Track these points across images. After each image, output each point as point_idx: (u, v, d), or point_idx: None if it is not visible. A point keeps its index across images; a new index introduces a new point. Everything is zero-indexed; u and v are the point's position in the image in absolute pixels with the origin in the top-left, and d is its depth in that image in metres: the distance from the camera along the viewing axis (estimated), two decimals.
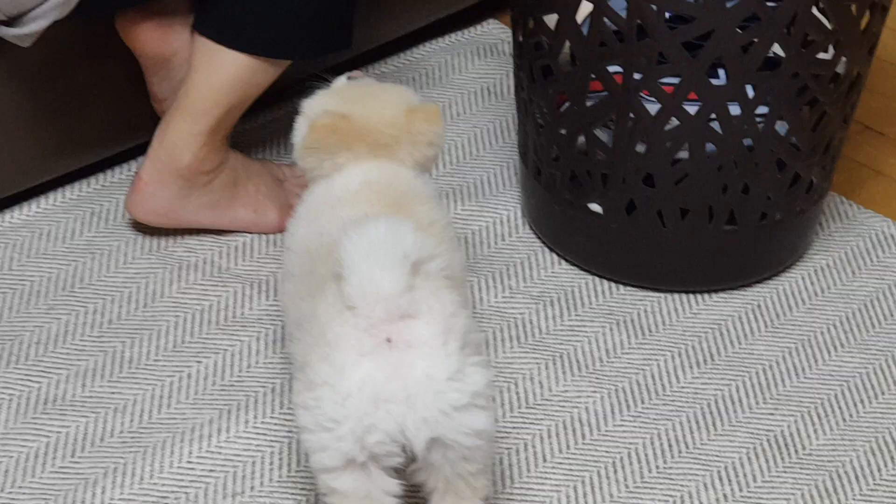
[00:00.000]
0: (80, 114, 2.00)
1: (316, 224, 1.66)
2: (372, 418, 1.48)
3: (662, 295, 1.94)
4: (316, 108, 1.72)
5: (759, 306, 1.93)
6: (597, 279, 1.95)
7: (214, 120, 1.90)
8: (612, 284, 1.95)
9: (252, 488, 1.69)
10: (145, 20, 1.91)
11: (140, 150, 2.01)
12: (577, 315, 1.91)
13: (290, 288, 1.66)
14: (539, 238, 2.01)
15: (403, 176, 1.70)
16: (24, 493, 1.68)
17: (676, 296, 1.94)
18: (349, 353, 1.48)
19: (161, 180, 1.94)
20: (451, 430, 1.49)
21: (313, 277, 1.59)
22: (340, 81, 1.76)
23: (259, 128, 2.14)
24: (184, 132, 1.91)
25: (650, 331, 1.89)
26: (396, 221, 1.52)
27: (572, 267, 1.97)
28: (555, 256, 1.98)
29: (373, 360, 1.48)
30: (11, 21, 1.77)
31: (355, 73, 1.79)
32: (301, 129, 1.73)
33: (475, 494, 1.57)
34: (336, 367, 1.49)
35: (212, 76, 1.88)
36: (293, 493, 1.69)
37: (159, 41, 1.93)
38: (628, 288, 1.94)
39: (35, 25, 1.77)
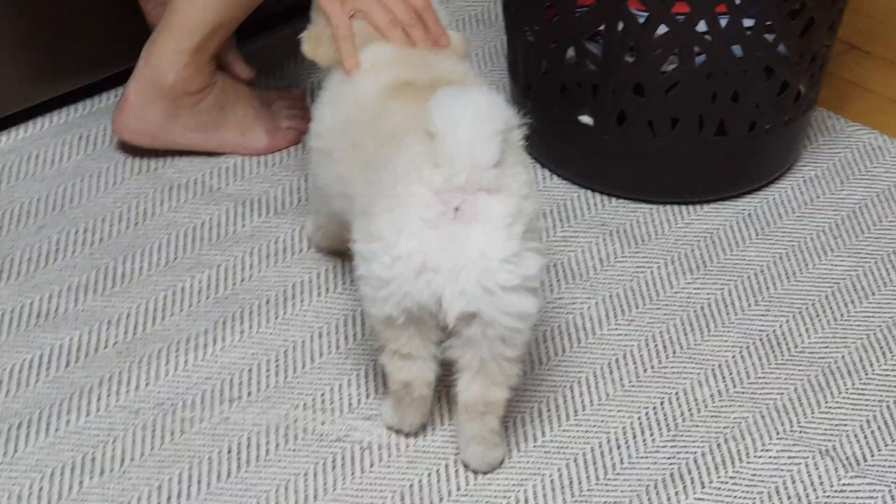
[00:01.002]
0: (67, 38, 1.99)
1: (347, 98, 1.67)
2: (412, 285, 1.50)
3: (654, 206, 1.94)
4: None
5: (749, 215, 1.94)
6: (589, 192, 1.96)
7: (199, 39, 1.89)
8: (605, 197, 1.95)
9: (249, 394, 1.69)
10: None
11: (129, 74, 2.00)
12: (570, 227, 1.91)
13: (332, 168, 1.66)
14: (531, 154, 1.98)
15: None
16: (18, 402, 1.67)
17: (668, 206, 1.95)
18: (412, 214, 1.50)
19: (147, 100, 1.93)
20: (495, 309, 1.51)
21: (372, 139, 1.58)
22: None
23: (250, 54, 2.14)
24: (169, 51, 1.90)
25: (643, 240, 1.90)
26: (491, 92, 1.53)
27: (564, 181, 1.97)
28: (546, 171, 1.99)
29: (433, 228, 1.49)
30: None
31: None
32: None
33: (506, 381, 1.58)
34: (395, 226, 1.51)
35: None
36: (290, 398, 1.69)
37: None
38: (620, 200, 1.95)
39: None
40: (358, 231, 1.56)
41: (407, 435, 1.64)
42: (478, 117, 1.49)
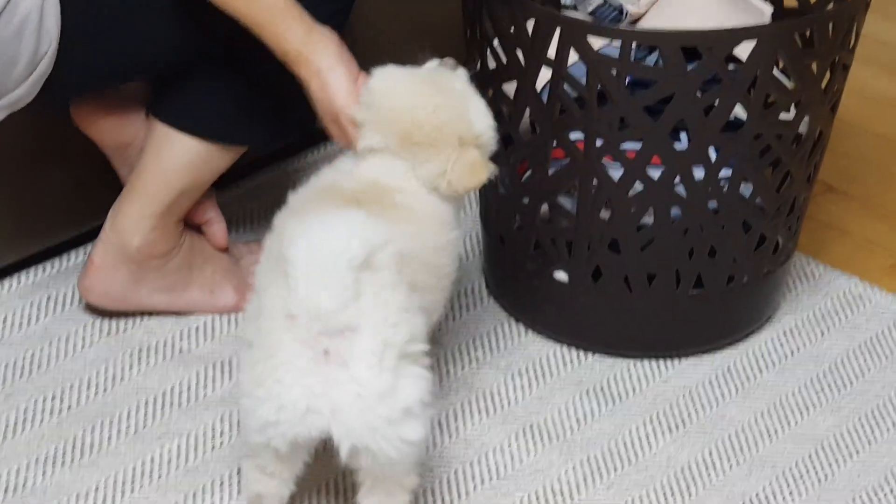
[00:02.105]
0: (33, 202, 1.97)
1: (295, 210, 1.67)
2: (300, 427, 1.54)
3: (632, 361, 1.91)
4: None
5: (728, 369, 1.91)
6: (565, 347, 1.93)
7: (165, 204, 1.87)
8: (581, 352, 1.92)
9: None
10: (101, 109, 1.89)
11: (96, 234, 1.97)
12: (545, 384, 1.88)
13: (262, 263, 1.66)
14: (504, 308, 1.99)
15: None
16: None
17: (646, 362, 1.92)
18: (288, 364, 1.53)
19: (113, 264, 1.91)
20: (381, 441, 1.53)
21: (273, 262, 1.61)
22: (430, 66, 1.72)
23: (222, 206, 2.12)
24: (134, 215, 1.88)
25: (620, 398, 1.87)
26: (344, 216, 1.54)
27: (539, 336, 1.94)
28: (521, 326, 1.96)
29: (309, 375, 1.52)
30: None
31: (448, 60, 1.74)
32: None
33: (403, 490, 1.60)
34: (275, 376, 1.53)
35: (164, 159, 1.86)
36: None
37: (117, 129, 1.91)
38: (597, 355, 1.92)
39: None
40: (245, 361, 1.58)
41: None
42: (318, 258, 1.51)
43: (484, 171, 1.68)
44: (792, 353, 1.93)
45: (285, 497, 1.64)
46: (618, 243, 1.85)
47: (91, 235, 2.02)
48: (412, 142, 1.66)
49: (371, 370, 1.51)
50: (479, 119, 1.69)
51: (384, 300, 1.53)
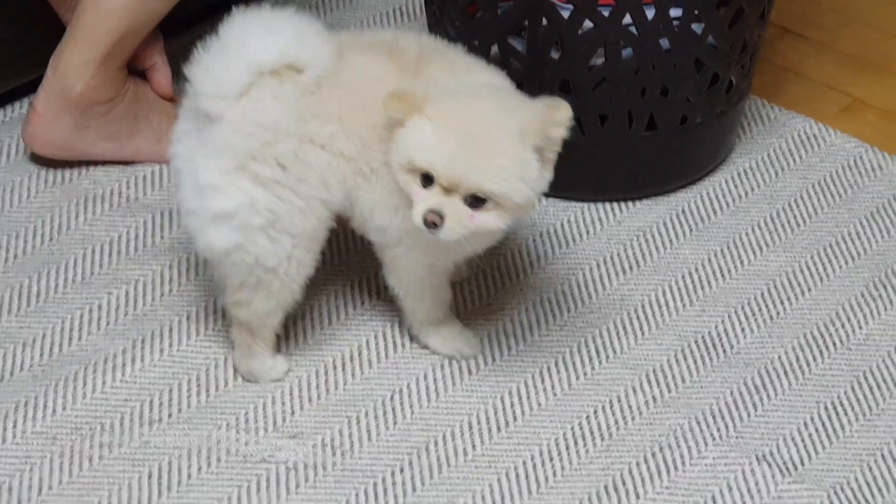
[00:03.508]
0: None
1: None
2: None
3: (585, 205, 1.90)
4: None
5: (682, 211, 1.90)
6: None
7: (107, 47, 1.83)
8: None
9: (170, 415, 1.64)
10: None
11: (38, 83, 1.93)
12: None
13: None
14: None
15: None
16: None
17: (600, 205, 1.90)
18: (177, 125, 1.60)
19: (55, 111, 1.87)
20: (193, 235, 1.59)
21: None
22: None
23: (170, 54, 2.08)
24: (75, 60, 1.84)
25: (574, 241, 1.85)
26: (293, 20, 1.54)
27: None
28: None
29: (181, 142, 1.59)
30: None
31: None
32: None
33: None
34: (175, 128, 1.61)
35: (103, 2, 1.81)
36: (213, 418, 1.63)
37: None
38: (550, 199, 1.90)
39: None
40: None
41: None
42: (232, 45, 1.52)
43: None
44: (746, 193, 1.92)
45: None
46: (569, 84, 1.82)
47: (34, 85, 1.98)
48: None
49: (206, 160, 1.55)
50: None
51: (258, 108, 1.53)
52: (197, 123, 1.56)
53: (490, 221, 1.51)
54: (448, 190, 1.49)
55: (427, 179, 1.50)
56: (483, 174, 1.48)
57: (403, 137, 1.51)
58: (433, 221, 1.50)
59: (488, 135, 1.48)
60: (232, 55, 1.51)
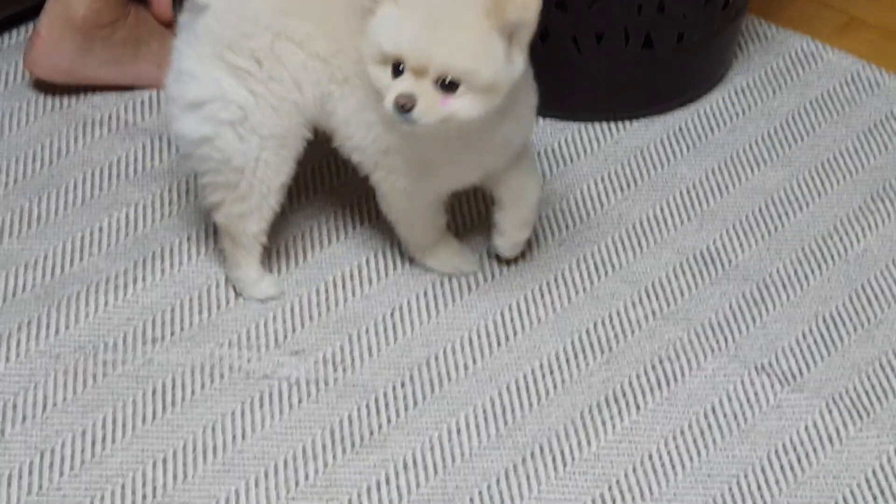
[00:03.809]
0: None
1: None
2: None
3: (583, 124, 1.90)
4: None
5: (680, 129, 1.90)
6: None
7: None
8: None
9: (172, 334, 1.65)
10: None
11: (39, 10, 1.93)
12: None
13: None
14: None
15: None
16: None
17: (597, 124, 1.90)
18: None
19: (59, 35, 1.87)
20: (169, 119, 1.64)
21: None
22: None
23: None
24: None
25: (572, 160, 1.86)
26: None
27: None
28: None
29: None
30: None
31: None
32: None
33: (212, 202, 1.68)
34: None
35: None
36: (215, 336, 1.64)
37: None
38: (547, 119, 1.90)
39: None
40: None
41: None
42: None
43: None
44: (743, 111, 1.92)
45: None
46: (565, 2, 1.82)
47: (33, 13, 1.98)
48: None
49: (188, 47, 1.59)
50: None
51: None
52: (191, 13, 1.58)
53: (462, 107, 1.50)
54: (419, 75, 1.50)
55: (397, 71, 1.51)
56: (448, 51, 1.48)
57: (373, 26, 1.52)
58: (403, 104, 1.49)
59: (453, 14, 1.49)
60: None
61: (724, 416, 1.57)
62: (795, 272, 1.72)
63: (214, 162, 1.61)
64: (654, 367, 1.62)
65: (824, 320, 1.67)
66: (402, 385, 1.60)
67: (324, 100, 1.60)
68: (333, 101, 1.60)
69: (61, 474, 1.52)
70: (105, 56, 1.89)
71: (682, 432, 1.56)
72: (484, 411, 1.58)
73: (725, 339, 1.65)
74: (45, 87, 1.92)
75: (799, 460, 1.54)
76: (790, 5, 2.09)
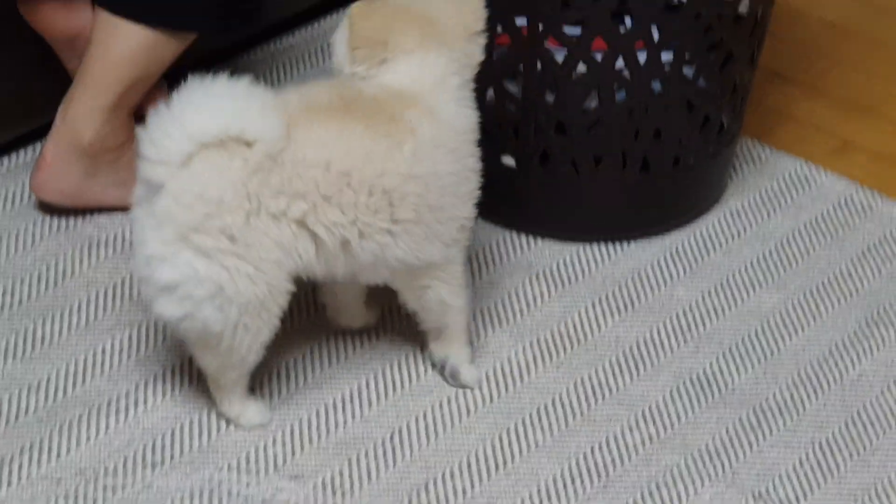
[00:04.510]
0: None
1: None
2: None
3: (581, 245, 1.93)
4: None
5: (676, 251, 1.92)
6: (514, 233, 1.94)
7: (116, 95, 1.86)
8: (531, 238, 1.93)
9: (172, 457, 1.66)
10: (48, 0, 1.88)
11: (46, 130, 1.96)
12: (495, 270, 1.89)
13: None
14: None
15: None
16: None
17: (595, 245, 1.93)
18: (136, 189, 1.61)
19: (65, 159, 1.90)
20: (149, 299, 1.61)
21: None
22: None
23: None
24: (85, 108, 1.87)
25: (570, 281, 1.88)
26: (244, 92, 1.56)
27: (488, 223, 1.95)
28: None
29: (137, 205, 1.60)
30: None
31: None
32: (341, 34, 1.64)
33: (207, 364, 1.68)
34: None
35: (112, 50, 1.85)
36: (214, 460, 1.66)
37: (63, 19, 1.89)
38: (546, 240, 1.93)
39: None
40: None
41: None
42: (176, 113, 1.55)
43: None
44: (739, 233, 1.95)
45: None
46: (564, 126, 1.86)
47: (39, 133, 2.01)
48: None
49: (150, 232, 1.57)
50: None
51: (199, 182, 1.54)
52: (147, 189, 1.57)
53: None
54: None
55: None
56: None
57: None
58: None
59: None
60: (174, 123, 1.53)
61: None
62: (792, 397, 1.74)
63: (195, 332, 1.62)
64: (651, 494, 1.63)
65: (821, 447, 1.68)
66: None
67: (345, 253, 1.61)
68: (377, 249, 1.61)
69: None
70: (110, 179, 1.92)
71: None
72: None
73: (722, 465, 1.66)
74: (51, 208, 1.95)
75: None
76: (784, 128, 2.12)
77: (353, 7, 1.64)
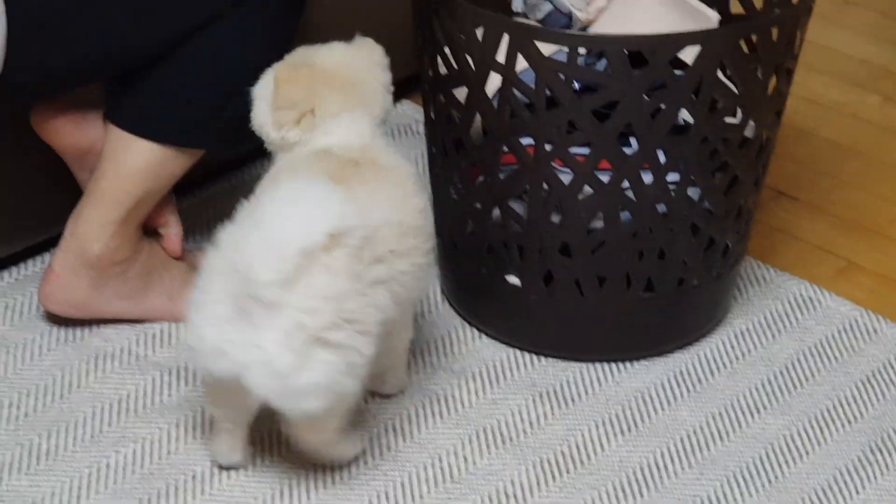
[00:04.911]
0: None
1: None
2: (212, 364, 1.65)
3: (584, 364, 1.93)
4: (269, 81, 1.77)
5: (681, 372, 1.93)
6: (518, 351, 1.94)
7: (125, 210, 1.88)
8: (534, 356, 1.94)
9: None
10: (60, 114, 1.90)
11: (54, 242, 1.98)
12: (499, 388, 1.90)
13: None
14: (458, 313, 2.00)
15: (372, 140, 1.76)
16: None
17: (598, 365, 1.93)
18: (214, 303, 1.64)
19: (73, 271, 1.91)
20: (286, 407, 1.65)
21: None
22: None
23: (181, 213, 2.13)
24: (94, 222, 1.89)
25: (573, 401, 1.88)
26: (321, 194, 1.62)
27: (492, 340, 1.96)
28: (475, 331, 1.97)
29: (227, 322, 1.63)
30: None
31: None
32: (262, 100, 1.76)
33: (328, 430, 1.74)
34: (203, 307, 1.66)
35: (122, 165, 1.87)
36: None
37: (74, 133, 1.92)
38: (549, 359, 1.93)
39: None
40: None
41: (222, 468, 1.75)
42: (277, 235, 1.60)
43: None
44: (743, 355, 1.96)
45: (238, 427, 1.75)
46: (569, 247, 1.87)
47: (48, 244, 2.03)
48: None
49: (278, 347, 1.61)
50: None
51: (318, 285, 1.60)
52: (241, 307, 1.61)
53: None
54: None
55: None
56: None
57: None
58: None
59: None
60: (280, 241, 1.59)
61: None
62: None
63: (335, 403, 1.70)
64: None
65: None
66: None
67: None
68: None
69: None
70: (118, 291, 1.93)
71: None
72: None
73: None
74: (58, 319, 1.96)
75: None
76: (789, 249, 2.14)
77: (278, 69, 1.76)
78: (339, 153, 1.73)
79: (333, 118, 1.75)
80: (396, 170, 1.76)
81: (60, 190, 1.98)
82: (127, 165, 1.87)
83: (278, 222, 1.60)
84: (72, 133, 1.92)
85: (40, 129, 1.92)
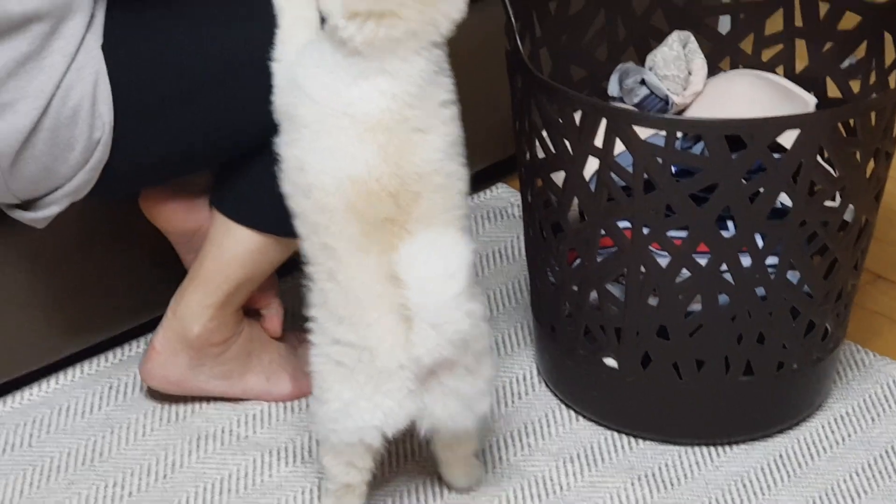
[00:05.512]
0: (96, 291, 2.02)
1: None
2: (400, 427, 1.76)
3: (683, 448, 1.93)
4: None
5: (780, 456, 1.92)
6: (615, 434, 1.95)
7: (225, 293, 1.92)
8: (632, 439, 1.94)
9: None
10: (169, 199, 1.95)
11: (157, 323, 2.02)
12: (597, 471, 1.90)
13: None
14: (556, 395, 2.01)
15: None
16: None
17: (697, 448, 1.93)
18: (398, 383, 1.70)
19: (173, 350, 1.95)
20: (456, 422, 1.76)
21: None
22: None
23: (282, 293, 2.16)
24: (195, 304, 1.93)
25: (672, 485, 1.88)
26: (451, 251, 1.65)
27: (590, 422, 1.96)
28: (572, 413, 1.98)
29: (415, 393, 1.72)
30: (27, 205, 1.81)
31: None
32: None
33: (467, 443, 1.85)
34: (380, 389, 1.72)
35: (225, 251, 1.91)
36: None
37: (183, 217, 1.96)
38: (648, 442, 1.93)
39: (49, 211, 1.80)
40: (324, 368, 1.75)
41: None
42: (444, 311, 1.66)
43: None
44: (843, 439, 1.94)
45: (368, 482, 1.80)
46: (666, 330, 1.87)
47: (152, 325, 2.06)
48: None
49: (470, 386, 1.72)
50: None
51: (478, 329, 1.70)
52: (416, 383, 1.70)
53: None
54: None
55: None
56: None
57: None
58: None
59: None
60: (456, 305, 1.65)
61: None
62: None
63: None
64: None
65: None
66: None
67: None
68: None
69: None
70: (216, 370, 1.97)
71: None
72: None
73: None
74: (161, 398, 1.99)
75: None
76: (886, 332, 2.12)
77: None
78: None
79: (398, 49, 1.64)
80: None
81: (164, 273, 2.02)
82: (228, 251, 1.90)
83: (434, 296, 1.64)
84: (181, 217, 1.96)
85: (150, 212, 1.97)
